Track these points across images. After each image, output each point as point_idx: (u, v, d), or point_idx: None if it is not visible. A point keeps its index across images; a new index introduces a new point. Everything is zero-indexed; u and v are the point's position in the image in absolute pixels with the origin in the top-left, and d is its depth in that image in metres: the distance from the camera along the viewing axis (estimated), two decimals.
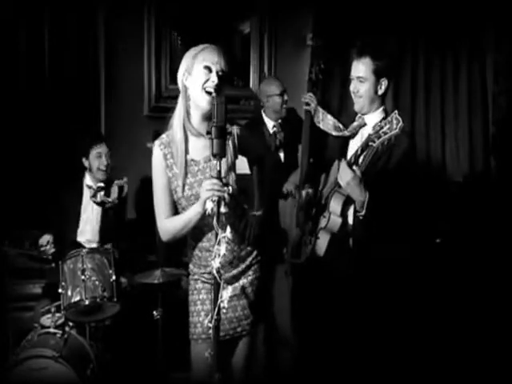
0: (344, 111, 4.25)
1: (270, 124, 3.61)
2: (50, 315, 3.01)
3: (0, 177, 3.74)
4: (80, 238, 3.47)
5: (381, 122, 2.51)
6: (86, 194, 3.46)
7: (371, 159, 2.57)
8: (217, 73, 2.19)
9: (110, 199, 3.40)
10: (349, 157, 2.63)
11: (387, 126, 2.43)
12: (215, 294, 1.96)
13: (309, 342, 3.36)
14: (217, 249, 1.94)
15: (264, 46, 4.42)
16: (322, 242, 2.69)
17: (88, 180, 3.47)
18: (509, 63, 4.20)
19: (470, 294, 3.74)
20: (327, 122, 2.93)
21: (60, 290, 3.02)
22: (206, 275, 2.27)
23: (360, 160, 2.58)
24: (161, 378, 3.19)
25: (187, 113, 2.24)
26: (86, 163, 3.47)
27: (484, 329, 3.57)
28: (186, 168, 2.23)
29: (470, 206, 4.09)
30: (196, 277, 2.34)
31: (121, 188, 3.47)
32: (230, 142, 2.24)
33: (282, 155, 3.59)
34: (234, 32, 4.40)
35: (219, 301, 1.95)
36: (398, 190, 2.51)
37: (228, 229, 1.96)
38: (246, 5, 4.38)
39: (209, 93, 2.15)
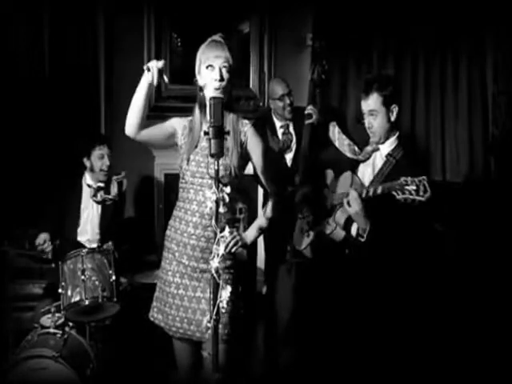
0: (344, 112, 4.28)
1: (277, 125, 3.58)
2: (49, 315, 3.01)
3: (0, 177, 3.75)
4: (80, 238, 3.47)
5: (406, 176, 2.39)
6: (86, 193, 3.47)
7: (383, 180, 2.61)
8: (220, 69, 2.23)
9: (110, 196, 3.45)
10: (364, 183, 2.68)
11: (413, 188, 2.35)
12: (214, 293, 1.96)
13: (311, 339, 3.37)
14: (215, 249, 1.95)
15: (264, 46, 4.43)
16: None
17: (88, 179, 3.48)
18: (509, 63, 4.20)
19: (470, 295, 3.73)
20: (342, 143, 2.94)
21: (60, 290, 3.02)
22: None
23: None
24: (160, 378, 3.20)
25: (203, 110, 2.34)
26: (87, 163, 3.47)
27: (483, 331, 3.57)
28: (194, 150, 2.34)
29: (470, 207, 4.09)
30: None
31: (120, 183, 3.52)
32: (235, 141, 2.28)
33: (290, 156, 3.55)
34: (233, 32, 4.40)
35: (218, 301, 1.96)
36: (402, 225, 2.52)
37: (227, 229, 1.96)
38: (246, 5, 4.39)
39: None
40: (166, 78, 2.36)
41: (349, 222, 2.66)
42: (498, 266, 3.82)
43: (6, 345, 3.29)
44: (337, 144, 2.95)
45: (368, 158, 2.74)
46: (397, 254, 2.60)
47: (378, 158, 2.69)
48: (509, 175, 4.14)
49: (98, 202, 3.45)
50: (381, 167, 2.66)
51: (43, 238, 3.30)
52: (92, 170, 3.46)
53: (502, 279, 3.77)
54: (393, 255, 2.60)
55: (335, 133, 2.98)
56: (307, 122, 3.29)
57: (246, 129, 2.35)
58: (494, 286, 3.76)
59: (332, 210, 2.80)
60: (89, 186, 3.46)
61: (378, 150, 2.70)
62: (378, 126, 2.64)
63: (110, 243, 3.30)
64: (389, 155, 2.65)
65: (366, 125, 2.68)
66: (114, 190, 3.49)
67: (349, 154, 2.85)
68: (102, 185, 3.45)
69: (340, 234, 2.73)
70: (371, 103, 2.62)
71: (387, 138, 2.67)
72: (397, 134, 2.69)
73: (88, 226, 3.49)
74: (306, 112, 3.31)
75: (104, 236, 3.47)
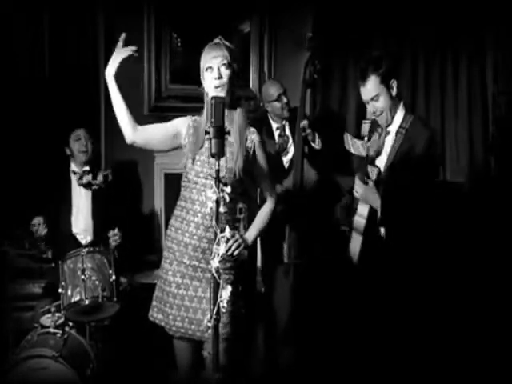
0: (344, 114, 4.28)
1: (274, 126, 3.58)
2: (49, 315, 3.01)
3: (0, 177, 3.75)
4: (75, 229, 3.52)
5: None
6: (74, 182, 3.55)
7: (395, 154, 2.65)
8: (218, 68, 2.25)
9: (96, 181, 3.54)
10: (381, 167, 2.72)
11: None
12: (214, 293, 1.96)
13: (310, 340, 3.37)
14: (216, 248, 1.95)
15: (264, 46, 4.41)
16: (355, 244, 2.76)
17: (73, 167, 3.58)
18: (509, 63, 4.20)
19: (471, 294, 3.73)
20: (357, 147, 2.93)
21: (60, 290, 3.03)
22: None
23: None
24: (160, 378, 3.20)
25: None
26: (67, 151, 3.58)
27: (482, 330, 3.57)
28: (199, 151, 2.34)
29: (471, 206, 4.09)
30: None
31: (106, 176, 3.60)
32: (241, 146, 2.31)
33: (287, 158, 3.54)
34: (233, 32, 4.39)
35: (218, 300, 1.96)
36: (416, 189, 2.58)
37: (227, 229, 1.96)
38: (246, 5, 4.38)
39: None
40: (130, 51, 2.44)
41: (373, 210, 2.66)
42: (498, 265, 3.82)
43: (6, 345, 3.30)
44: (352, 151, 2.93)
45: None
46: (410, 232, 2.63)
47: (389, 138, 2.69)
48: (509, 175, 4.14)
49: (83, 185, 3.53)
50: (392, 144, 2.67)
51: (37, 220, 3.36)
52: (72, 155, 3.56)
53: (502, 278, 3.77)
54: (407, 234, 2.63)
55: (348, 140, 2.95)
56: (303, 134, 3.31)
57: (254, 137, 2.39)
58: (495, 284, 3.76)
59: None
60: (74, 172, 3.55)
61: (388, 133, 2.70)
62: (383, 106, 2.63)
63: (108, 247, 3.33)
64: (400, 128, 2.65)
65: (370, 111, 2.67)
66: (100, 178, 3.58)
67: (364, 153, 2.83)
68: (87, 168, 3.55)
69: (360, 223, 2.71)
70: (370, 88, 2.61)
71: (394, 114, 2.67)
72: (401, 104, 2.69)
73: (80, 215, 3.53)
74: (300, 127, 3.32)
75: (97, 223, 3.52)
